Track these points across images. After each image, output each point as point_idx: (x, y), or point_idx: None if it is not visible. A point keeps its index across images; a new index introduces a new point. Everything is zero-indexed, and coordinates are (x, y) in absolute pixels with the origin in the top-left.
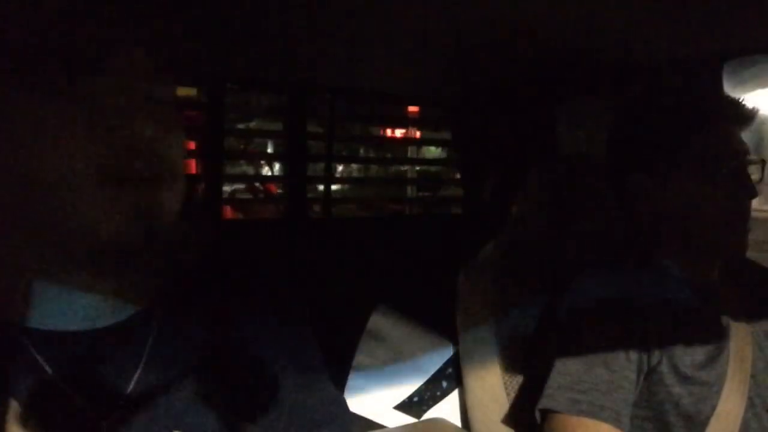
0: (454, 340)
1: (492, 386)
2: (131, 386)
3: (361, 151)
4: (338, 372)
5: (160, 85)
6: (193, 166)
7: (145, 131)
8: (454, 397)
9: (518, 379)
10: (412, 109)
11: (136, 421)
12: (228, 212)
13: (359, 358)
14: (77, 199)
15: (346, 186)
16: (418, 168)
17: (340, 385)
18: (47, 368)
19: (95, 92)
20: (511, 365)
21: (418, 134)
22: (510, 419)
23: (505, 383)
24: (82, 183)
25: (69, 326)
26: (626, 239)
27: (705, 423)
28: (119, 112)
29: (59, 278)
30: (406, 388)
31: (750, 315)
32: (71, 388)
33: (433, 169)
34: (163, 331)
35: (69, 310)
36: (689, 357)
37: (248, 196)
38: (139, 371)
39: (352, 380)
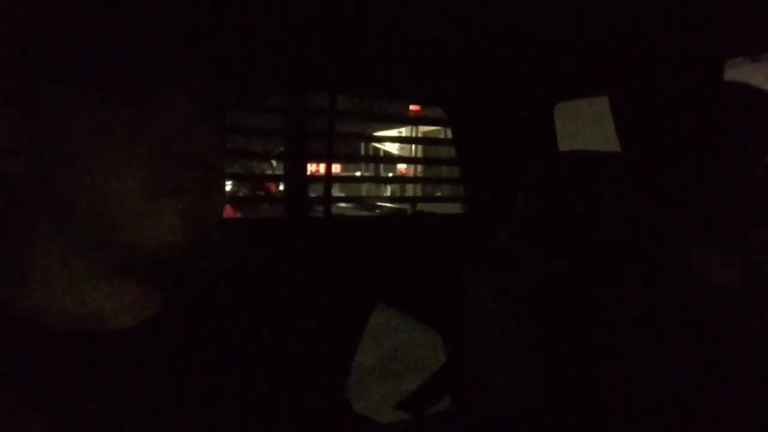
0: (455, 339)
1: (493, 385)
2: (148, 388)
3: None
4: (338, 372)
5: (210, 94)
6: None
7: (200, 141)
8: (454, 396)
9: (519, 378)
10: (413, 108)
11: (150, 424)
12: (228, 211)
13: (359, 357)
14: (131, 209)
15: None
16: None
17: (340, 384)
18: (58, 367)
19: (154, 102)
20: (512, 364)
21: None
22: (512, 416)
23: (506, 382)
24: (137, 193)
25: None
26: (643, 236)
27: None
28: (177, 122)
29: (91, 281)
30: (406, 388)
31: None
32: (83, 389)
33: None
34: (180, 332)
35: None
36: None
37: (249, 194)
38: (157, 372)
39: (353, 380)
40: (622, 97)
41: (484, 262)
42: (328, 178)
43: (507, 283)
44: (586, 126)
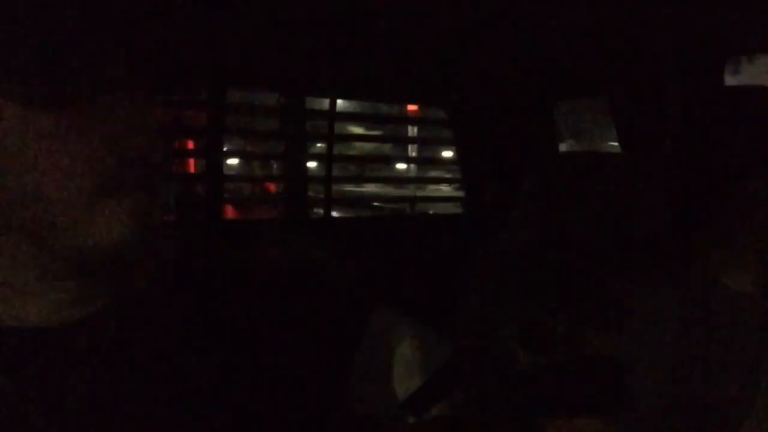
0: (455, 340)
1: (492, 385)
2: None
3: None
4: (338, 372)
5: (148, 91)
6: (191, 165)
7: (139, 139)
8: (454, 397)
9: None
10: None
11: (95, 420)
12: (228, 212)
13: (360, 358)
14: (73, 211)
15: None
16: None
17: (341, 385)
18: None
19: (91, 102)
20: (511, 365)
21: None
22: (511, 418)
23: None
24: (79, 195)
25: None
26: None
27: None
28: (115, 122)
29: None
30: (406, 388)
31: None
32: (21, 386)
33: None
34: (128, 329)
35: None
36: None
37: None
38: (106, 368)
39: (353, 380)
40: (622, 97)
41: (485, 273)
42: (329, 178)
43: (505, 289)
44: (586, 126)
